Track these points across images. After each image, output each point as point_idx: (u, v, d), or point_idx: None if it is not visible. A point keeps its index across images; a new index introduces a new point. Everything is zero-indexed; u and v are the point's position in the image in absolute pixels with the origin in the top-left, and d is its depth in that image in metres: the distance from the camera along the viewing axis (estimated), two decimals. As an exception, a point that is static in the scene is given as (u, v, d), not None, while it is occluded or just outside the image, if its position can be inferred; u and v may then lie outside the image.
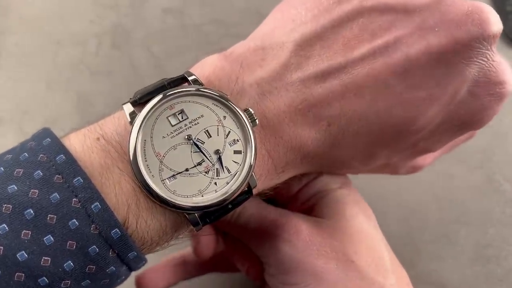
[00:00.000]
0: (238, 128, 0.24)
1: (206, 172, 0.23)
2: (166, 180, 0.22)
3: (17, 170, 0.21)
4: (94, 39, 0.48)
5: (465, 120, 0.27)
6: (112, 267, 0.22)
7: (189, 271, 0.35)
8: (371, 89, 0.24)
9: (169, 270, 0.34)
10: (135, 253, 0.22)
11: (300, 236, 0.27)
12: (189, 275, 0.35)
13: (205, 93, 0.24)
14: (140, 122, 0.23)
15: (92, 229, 0.21)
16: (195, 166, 0.23)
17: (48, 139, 0.22)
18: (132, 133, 0.22)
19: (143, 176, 0.22)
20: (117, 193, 0.22)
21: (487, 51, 0.24)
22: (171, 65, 0.47)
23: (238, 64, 0.25)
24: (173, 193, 0.22)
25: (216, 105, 0.24)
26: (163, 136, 0.23)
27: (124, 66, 0.47)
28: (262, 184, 0.26)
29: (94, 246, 0.21)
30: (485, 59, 0.25)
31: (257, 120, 0.24)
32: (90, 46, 0.48)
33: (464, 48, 0.24)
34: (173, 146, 0.23)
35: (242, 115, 0.24)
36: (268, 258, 0.29)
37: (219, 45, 0.47)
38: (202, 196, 0.23)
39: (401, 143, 0.27)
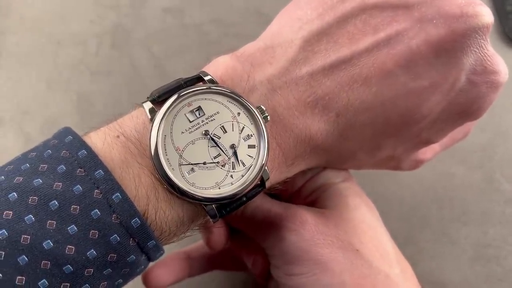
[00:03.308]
0: (251, 124, 0.25)
1: (222, 166, 0.25)
2: (186, 173, 0.24)
3: (41, 165, 0.22)
4: (94, 39, 0.48)
5: (464, 108, 0.28)
6: (132, 255, 0.23)
7: (194, 268, 0.36)
8: (376, 80, 0.26)
9: (174, 266, 0.35)
10: (154, 242, 0.23)
11: (306, 225, 0.28)
12: (194, 272, 0.36)
13: (220, 91, 0.25)
14: (160, 118, 0.24)
15: (113, 218, 0.22)
16: (212, 159, 0.24)
17: (69, 136, 0.23)
18: (153, 129, 0.24)
19: (164, 169, 0.23)
20: (137, 186, 0.23)
21: (482, 41, 0.26)
22: (171, 65, 0.47)
23: (249, 64, 0.26)
24: (192, 185, 0.24)
25: (231, 102, 0.25)
26: (182, 132, 0.24)
27: (124, 66, 0.47)
28: (273, 177, 0.26)
29: (115, 235, 0.22)
30: (481, 48, 0.26)
31: (268, 117, 0.25)
32: (90, 46, 0.48)
33: (461, 37, 0.25)
34: (192, 141, 0.24)
35: (255, 111, 0.25)
36: (274, 249, 0.29)
37: (219, 44, 0.47)
38: (219, 188, 0.24)
39: (406, 132, 0.28)
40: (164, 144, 0.24)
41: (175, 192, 0.23)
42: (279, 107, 0.26)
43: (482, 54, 0.26)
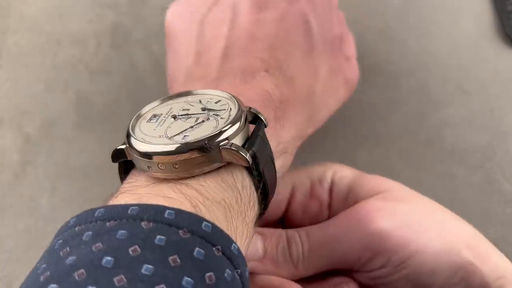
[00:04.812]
0: (206, 96, 0.26)
1: (208, 119, 0.24)
2: (182, 140, 0.23)
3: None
4: (94, 39, 0.48)
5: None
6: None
7: None
8: (261, 31, 0.31)
9: None
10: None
11: (385, 212, 0.28)
12: None
13: (164, 99, 0.27)
14: (128, 137, 0.24)
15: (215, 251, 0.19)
16: (196, 122, 0.24)
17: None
18: (137, 148, 0.23)
19: (166, 147, 0.23)
20: (177, 199, 0.21)
21: None
22: (170, 64, 0.47)
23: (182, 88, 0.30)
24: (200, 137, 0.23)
25: (176, 99, 0.27)
26: (154, 129, 0.24)
27: (124, 66, 0.47)
28: (270, 129, 0.27)
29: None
30: None
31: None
32: (89, 46, 0.48)
33: None
34: (168, 126, 0.24)
35: (201, 92, 0.27)
36: (377, 256, 0.28)
37: (218, 44, 0.47)
38: (223, 131, 0.23)
39: (318, 43, 0.33)
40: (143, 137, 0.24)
41: (204, 150, 0.22)
42: (231, 92, 0.27)
43: None
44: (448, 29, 0.47)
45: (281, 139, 0.28)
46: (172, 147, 0.22)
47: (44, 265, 0.19)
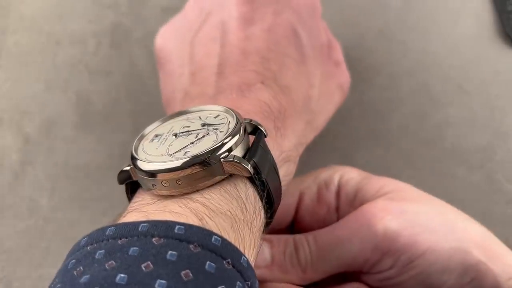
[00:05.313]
0: (205, 112, 0.27)
1: (207, 134, 0.25)
2: (183, 156, 0.23)
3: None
4: (93, 38, 0.48)
5: (306, 5, 0.35)
6: None
7: None
8: (253, 47, 0.32)
9: None
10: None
11: (392, 212, 0.28)
12: None
13: (165, 118, 0.27)
14: (132, 159, 0.25)
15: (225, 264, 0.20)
16: (196, 138, 0.25)
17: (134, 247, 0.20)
18: (141, 168, 0.24)
19: (169, 164, 0.23)
20: (184, 214, 0.22)
21: None
22: (170, 64, 0.47)
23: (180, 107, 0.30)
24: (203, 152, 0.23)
25: (177, 118, 0.27)
26: (156, 148, 0.25)
27: (124, 66, 0.47)
28: (270, 139, 0.27)
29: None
30: None
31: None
32: (89, 46, 0.47)
33: None
34: (170, 144, 0.25)
35: (199, 108, 0.27)
36: (384, 258, 0.28)
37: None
38: (223, 144, 0.24)
39: (303, 48, 0.33)
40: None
41: (206, 164, 0.23)
42: (231, 106, 0.27)
43: None
44: (448, 29, 0.47)
45: (283, 148, 0.28)
46: (173, 164, 0.23)
47: (58, 285, 0.19)
